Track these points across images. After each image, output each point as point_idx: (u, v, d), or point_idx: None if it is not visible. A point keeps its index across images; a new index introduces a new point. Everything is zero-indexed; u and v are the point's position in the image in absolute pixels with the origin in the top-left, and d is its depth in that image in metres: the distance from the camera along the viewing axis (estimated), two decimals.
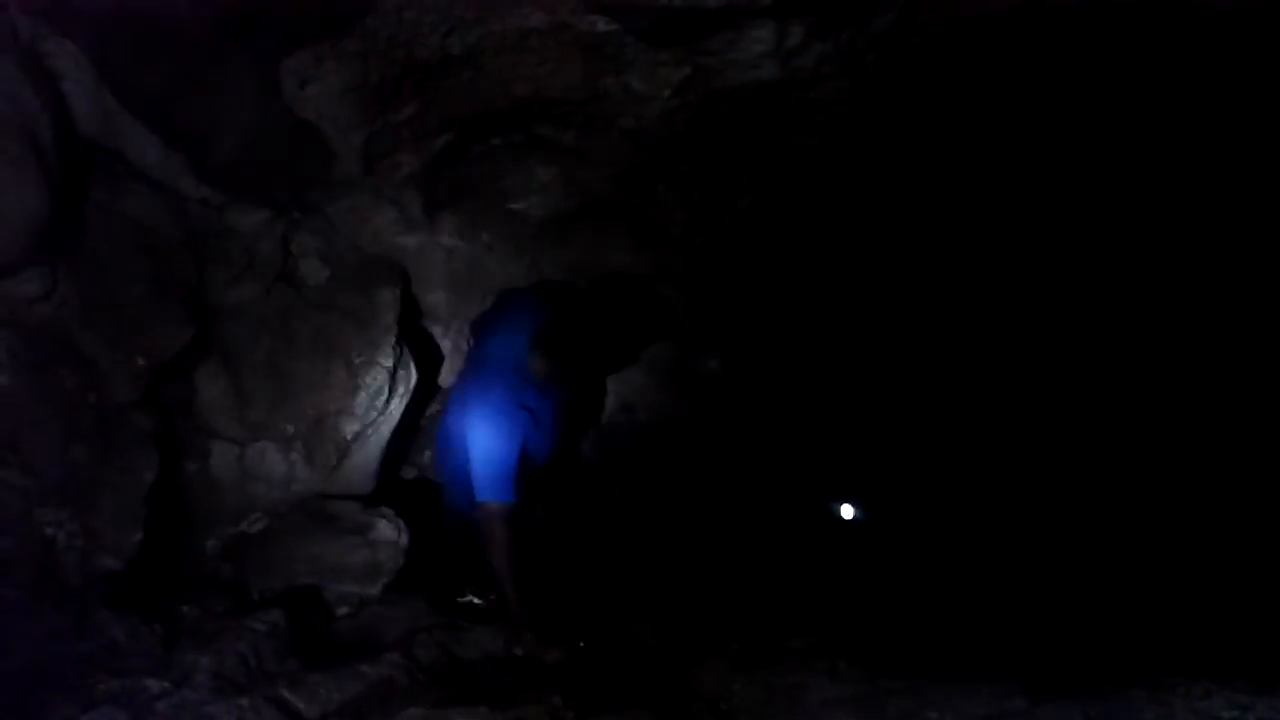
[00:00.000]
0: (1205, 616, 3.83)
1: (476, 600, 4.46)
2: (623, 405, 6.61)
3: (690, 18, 3.05)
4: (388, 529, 4.26)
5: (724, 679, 3.20)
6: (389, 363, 4.37)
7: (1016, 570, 5.07)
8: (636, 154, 3.95)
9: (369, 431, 4.42)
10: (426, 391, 4.97)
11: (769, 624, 3.66)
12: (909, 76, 3.55)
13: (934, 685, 2.93)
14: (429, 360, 4.98)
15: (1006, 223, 4.89)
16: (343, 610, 4.10)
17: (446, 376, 5.28)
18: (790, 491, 6.60)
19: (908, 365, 6.10)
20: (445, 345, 5.18)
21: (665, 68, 3.38)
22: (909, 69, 3.50)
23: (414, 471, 5.31)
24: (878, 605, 4.00)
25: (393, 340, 4.38)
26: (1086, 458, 5.97)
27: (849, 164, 4.12)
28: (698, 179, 4.18)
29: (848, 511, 6.48)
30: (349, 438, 4.35)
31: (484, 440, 4.37)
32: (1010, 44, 3.37)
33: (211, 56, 3.11)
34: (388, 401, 4.42)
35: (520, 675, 3.64)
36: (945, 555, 5.53)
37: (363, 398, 4.33)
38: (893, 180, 4.32)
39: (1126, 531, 5.39)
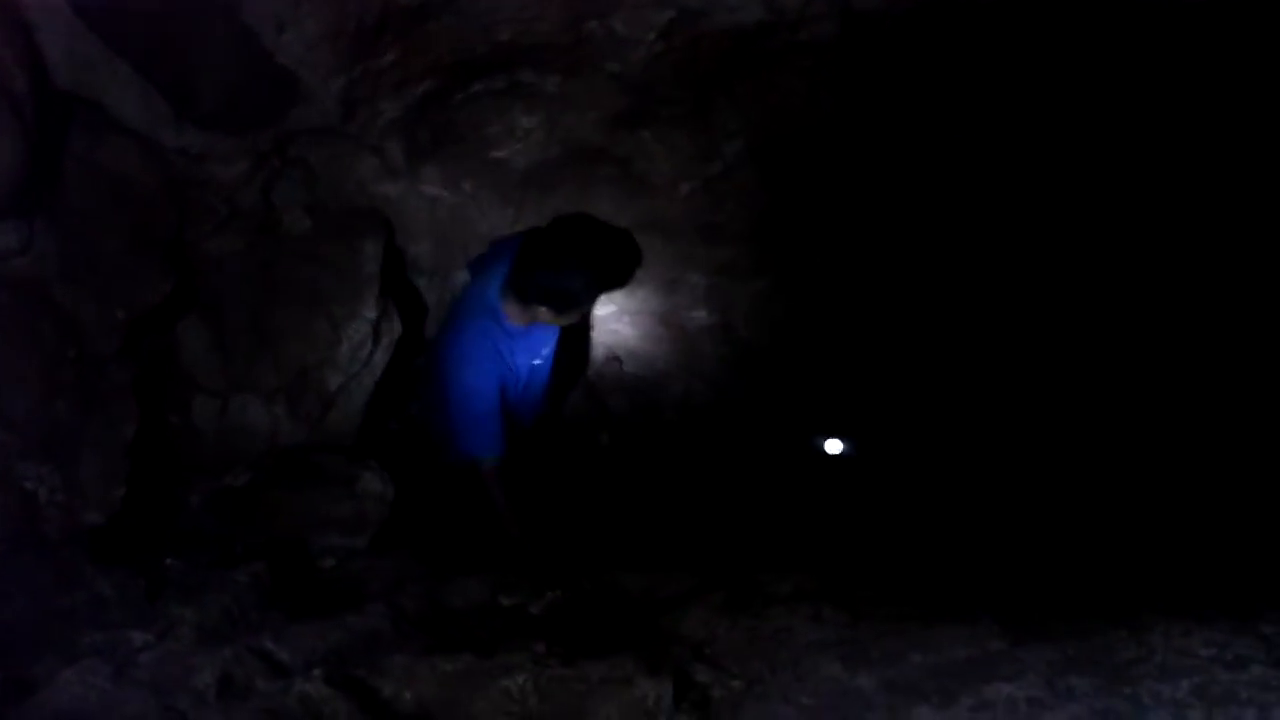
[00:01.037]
0: (1187, 554, 3.86)
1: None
2: (610, 356, 6.62)
3: None
4: (373, 481, 4.25)
5: (708, 624, 3.20)
6: (372, 314, 4.34)
7: (1002, 510, 5.10)
8: (621, 100, 3.91)
9: (352, 383, 4.41)
10: (411, 343, 4.95)
11: (753, 570, 3.66)
12: (897, 18, 3.51)
13: (917, 627, 2.94)
14: (413, 311, 4.97)
15: (1006, 173, 4.87)
16: (328, 562, 4.10)
17: (431, 327, 5.27)
18: (779, 433, 6.62)
19: (897, 304, 6.10)
20: (430, 297, 5.17)
21: (649, 10, 3.33)
22: (899, 12, 3.46)
23: (399, 424, 5.32)
24: (863, 546, 4.02)
25: (376, 291, 4.34)
26: (1073, 392, 6.00)
27: (837, 109, 4.08)
28: (684, 125, 4.14)
29: (834, 446, 6.49)
30: (332, 390, 4.33)
31: (457, 389, 4.38)
32: None
33: (189, 2, 3.06)
34: (371, 353, 4.40)
35: (506, 623, 3.64)
36: (931, 492, 5.56)
37: (345, 349, 4.31)
38: (883, 126, 4.28)
39: (1111, 470, 5.42)
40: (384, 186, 4.29)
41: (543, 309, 4.19)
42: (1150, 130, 4.44)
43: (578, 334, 5.63)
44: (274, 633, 3.18)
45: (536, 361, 4.69)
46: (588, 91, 3.84)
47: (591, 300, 4.70)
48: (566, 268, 4.06)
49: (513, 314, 4.30)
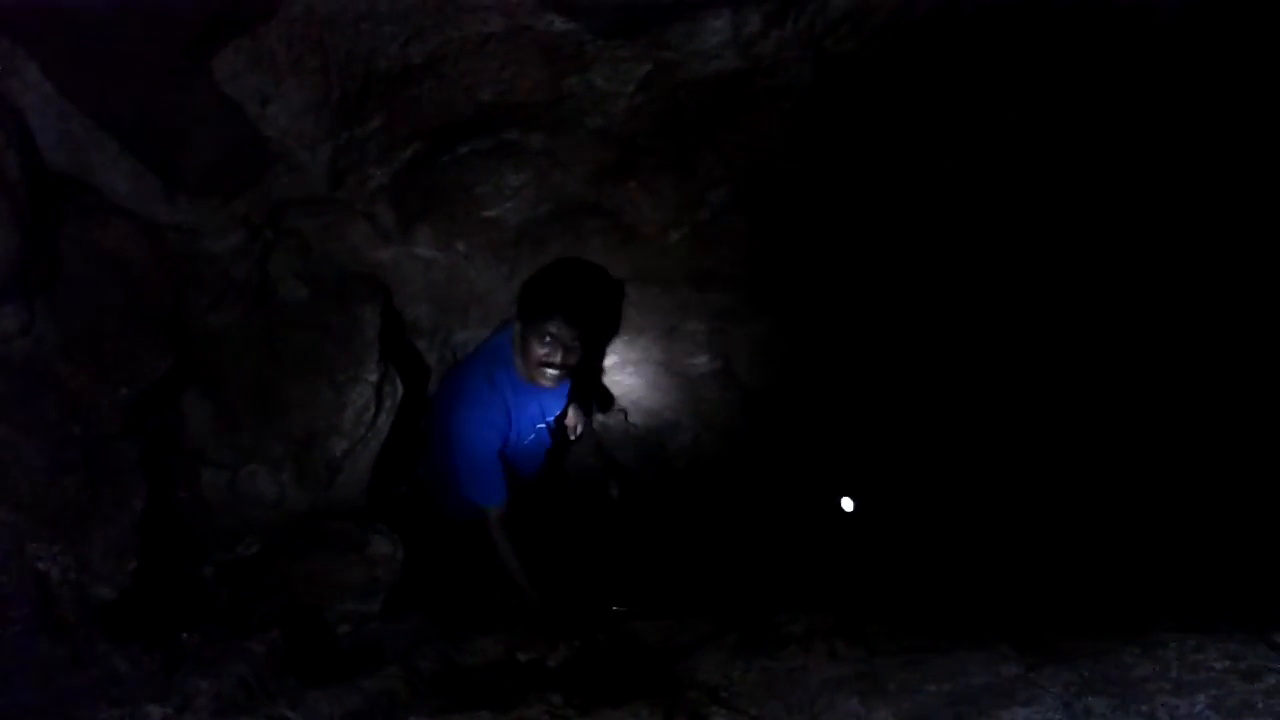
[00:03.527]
0: (1196, 567, 3.85)
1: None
2: (616, 408, 6.65)
3: (647, 11, 3.07)
4: (383, 544, 4.26)
5: (723, 667, 3.20)
6: (374, 378, 4.38)
7: (1011, 533, 5.10)
8: (606, 153, 3.96)
9: (358, 448, 4.43)
10: (414, 405, 4.98)
11: (767, 612, 3.66)
12: (872, 60, 3.56)
13: (932, 658, 2.94)
14: (415, 373, 5.01)
15: (991, 209, 4.92)
16: (343, 628, 4.11)
17: (433, 388, 5.30)
18: (788, 486, 6.63)
19: (893, 351, 6.13)
20: (430, 358, 5.20)
21: (627, 64, 3.39)
22: (871, 52, 3.51)
23: (408, 486, 5.33)
24: (876, 582, 4.02)
25: (376, 356, 4.39)
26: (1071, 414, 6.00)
27: (820, 151, 4.13)
28: (668, 175, 4.19)
29: (848, 504, 6.50)
30: (339, 455, 4.35)
31: (462, 433, 4.43)
32: (970, 28, 3.40)
33: (175, 79, 3.12)
34: (375, 417, 4.43)
35: (522, 678, 3.64)
36: (939, 534, 5.56)
37: (350, 415, 4.34)
38: (867, 167, 4.33)
39: (1116, 487, 5.42)
40: (378, 251, 4.34)
41: (549, 332, 4.24)
42: (1139, 158, 4.49)
43: (583, 392, 5.66)
44: (291, 700, 3.19)
45: (540, 425, 4.75)
46: (573, 146, 3.89)
47: (591, 319, 4.73)
48: (571, 275, 4.13)
49: (520, 366, 4.38)
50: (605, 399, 6.50)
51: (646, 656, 3.73)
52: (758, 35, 3.27)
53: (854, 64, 3.51)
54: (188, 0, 2.86)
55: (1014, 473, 5.85)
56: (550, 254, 4.71)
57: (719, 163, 4.12)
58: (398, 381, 4.56)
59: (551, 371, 4.36)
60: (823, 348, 6.45)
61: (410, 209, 4.12)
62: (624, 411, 6.74)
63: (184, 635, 3.63)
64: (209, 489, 4.23)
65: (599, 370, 6.26)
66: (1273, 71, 3.77)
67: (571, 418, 5.16)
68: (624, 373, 6.41)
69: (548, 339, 4.28)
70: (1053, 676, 2.59)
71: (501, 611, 4.71)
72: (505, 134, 3.80)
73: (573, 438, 5.31)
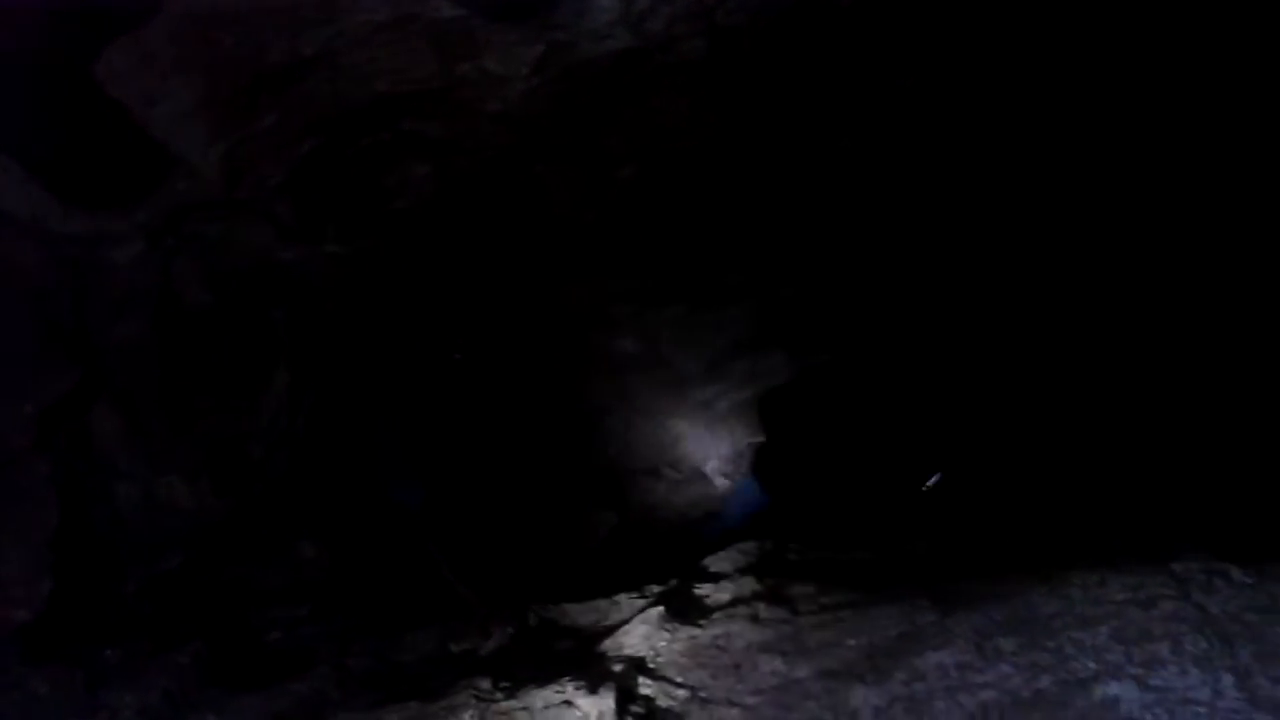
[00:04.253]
0: (1103, 503, 3.95)
1: None
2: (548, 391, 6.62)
3: None
4: (309, 547, 4.23)
5: (649, 639, 3.23)
6: (287, 381, 4.33)
7: (919, 485, 5.21)
8: (508, 137, 3.95)
9: (277, 451, 4.38)
10: (337, 405, 4.93)
11: (691, 582, 3.70)
12: (766, 32, 3.60)
13: (851, 614, 3.00)
14: (334, 372, 4.94)
15: (889, 177, 5.01)
16: (273, 633, 4.06)
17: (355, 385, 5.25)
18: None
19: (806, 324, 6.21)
20: (349, 355, 5.14)
21: (519, 47, 3.38)
22: (763, 24, 3.55)
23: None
24: (798, 548, 4.06)
25: (288, 357, 4.33)
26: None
27: (723, 126, 4.16)
28: (574, 155, 4.19)
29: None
30: (257, 460, 4.30)
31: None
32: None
33: (62, 84, 3.06)
34: (292, 418, 4.38)
35: (455, 669, 3.64)
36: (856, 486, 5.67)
37: (264, 419, 4.29)
38: (770, 140, 4.38)
39: (1022, 426, 5.56)
40: (283, 251, 4.27)
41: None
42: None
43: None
44: (217, 708, 3.16)
45: None
46: (474, 133, 3.88)
47: None
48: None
49: None
50: None
51: (578, 636, 3.75)
52: (648, 11, 3.28)
53: (748, 37, 3.55)
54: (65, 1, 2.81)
55: (926, 420, 5.97)
56: (462, 242, 4.67)
57: (625, 142, 4.13)
58: (315, 381, 4.51)
59: None
60: (741, 322, 6.51)
61: (314, 205, 4.07)
62: (558, 398, 6.72)
63: (107, 652, 3.58)
64: (125, 503, 4.15)
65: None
66: None
67: None
68: (548, 350, 6.38)
69: None
70: (964, 621, 2.66)
71: (440, 603, 4.70)
72: (405, 124, 3.77)
73: None
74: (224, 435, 4.24)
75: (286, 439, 4.40)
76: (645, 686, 2.92)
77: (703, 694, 2.87)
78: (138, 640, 3.73)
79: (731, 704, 2.77)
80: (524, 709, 2.91)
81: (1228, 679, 2.06)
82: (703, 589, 3.66)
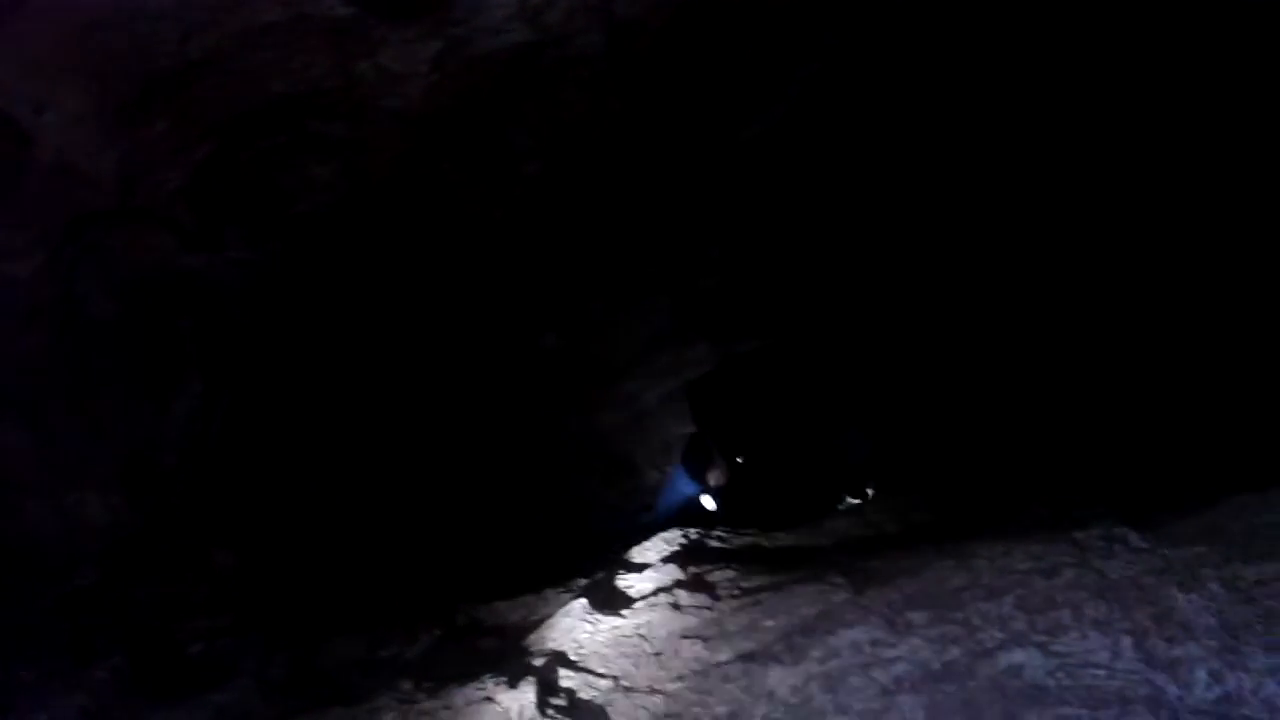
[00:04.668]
0: (1006, 484, 4.05)
1: None
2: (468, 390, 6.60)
3: None
4: (227, 557, 4.18)
5: (572, 632, 3.24)
6: (199, 389, 4.26)
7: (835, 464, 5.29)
8: (411, 135, 3.91)
9: (189, 462, 4.31)
10: (252, 411, 4.86)
11: (613, 574, 3.72)
12: (664, 23, 3.62)
13: (769, 596, 3.04)
14: (246, 379, 4.87)
15: (795, 168, 5.06)
16: (195, 645, 4.01)
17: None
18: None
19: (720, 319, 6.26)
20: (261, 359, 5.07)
21: (416, 44, 3.36)
22: (662, 14, 3.56)
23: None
24: (715, 537, 4.10)
25: (198, 366, 4.27)
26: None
27: (626, 114, 4.16)
28: (480, 152, 4.17)
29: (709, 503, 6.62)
30: (170, 469, 4.23)
31: None
32: None
33: None
34: (205, 428, 4.31)
35: (380, 672, 3.63)
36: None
37: (176, 427, 4.22)
38: (673, 130, 4.39)
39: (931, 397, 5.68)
40: (187, 258, 4.19)
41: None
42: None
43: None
44: None
45: None
46: (376, 132, 3.84)
47: None
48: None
49: None
50: None
51: (504, 632, 3.75)
52: (544, 5, 3.28)
53: (647, 29, 3.56)
54: None
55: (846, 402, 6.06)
56: (370, 245, 4.62)
57: (528, 137, 4.12)
58: (227, 389, 4.44)
59: None
60: (669, 316, 6.55)
61: (216, 211, 4.00)
62: (479, 391, 6.70)
63: (21, 672, 3.51)
64: (36, 519, 4.05)
65: None
66: None
67: None
68: (472, 352, 6.35)
69: None
70: (877, 597, 2.70)
71: (368, 607, 4.67)
72: (304, 125, 3.72)
73: None
74: (136, 446, 4.16)
75: (201, 447, 4.33)
76: (567, 679, 2.93)
77: (625, 683, 2.88)
78: (54, 659, 3.66)
79: (653, 691, 2.79)
80: (446, 708, 2.91)
81: (1126, 641, 2.11)
82: (627, 579, 3.68)
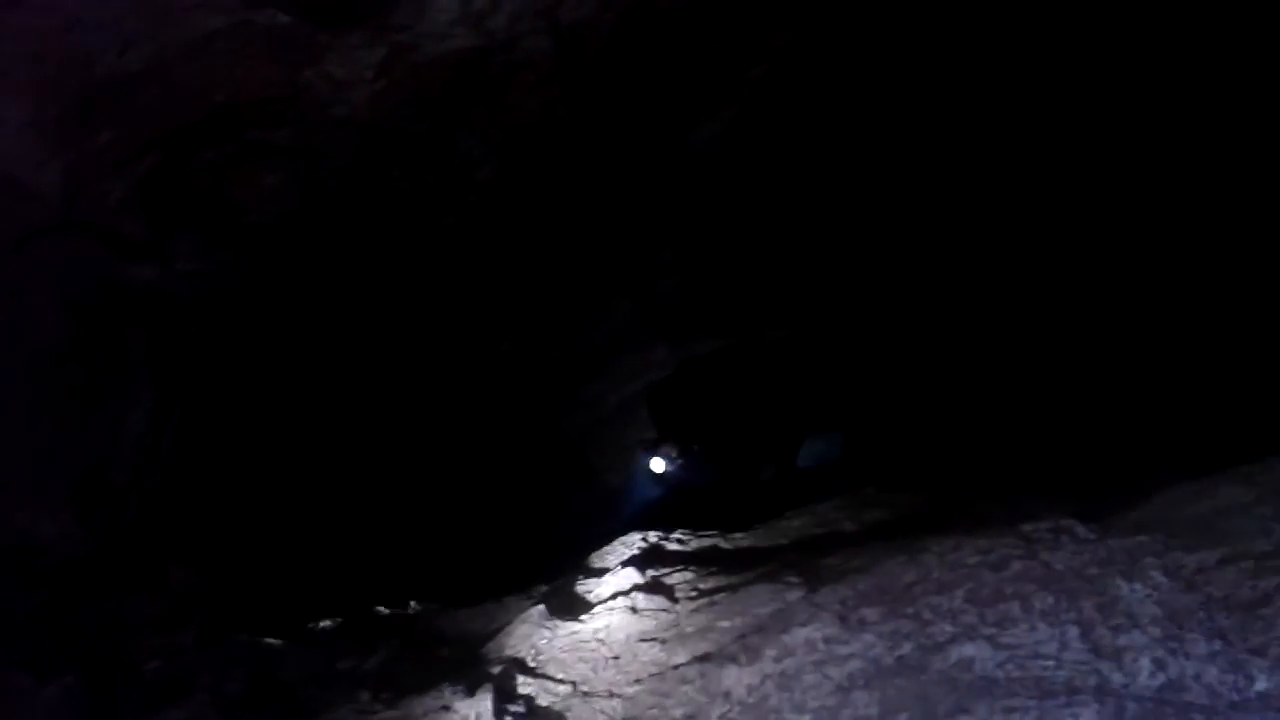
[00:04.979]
0: (956, 478, 4.08)
1: None
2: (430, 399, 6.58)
3: None
4: (183, 573, 4.14)
5: (530, 638, 3.23)
6: (150, 404, 4.21)
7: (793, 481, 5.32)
8: (359, 143, 3.89)
9: (143, 478, 4.26)
10: (207, 425, 4.82)
11: (573, 579, 3.72)
12: (611, 25, 3.62)
13: (725, 597, 3.05)
14: (200, 392, 4.82)
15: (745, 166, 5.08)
16: (152, 662, 3.96)
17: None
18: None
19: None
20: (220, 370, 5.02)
21: (361, 50, 3.34)
22: (608, 17, 3.57)
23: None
24: (673, 539, 4.11)
25: (149, 380, 4.22)
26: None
27: (575, 118, 4.16)
28: (429, 158, 4.14)
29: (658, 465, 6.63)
30: (122, 487, 4.18)
31: None
32: None
33: None
34: (157, 442, 4.26)
35: (339, 684, 3.60)
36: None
37: (127, 443, 4.17)
38: (624, 134, 4.40)
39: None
40: (136, 271, 4.14)
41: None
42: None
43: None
44: None
45: None
46: (323, 140, 3.81)
47: None
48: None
49: None
50: None
51: (463, 641, 3.74)
52: (488, 10, 3.26)
53: (593, 33, 3.56)
54: None
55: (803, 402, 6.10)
56: (322, 251, 4.59)
57: (479, 142, 4.11)
58: (181, 403, 4.40)
59: None
60: (627, 319, 6.57)
61: (164, 222, 3.96)
62: (441, 396, 6.69)
63: None
64: None
65: None
66: None
67: None
68: (431, 358, 6.33)
69: None
70: (831, 595, 2.71)
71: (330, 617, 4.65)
72: (250, 134, 3.68)
73: None
74: (88, 463, 4.10)
75: (153, 463, 4.28)
76: (525, 685, 2.93)
77: (583, 688, 2.88)
78: (12, 680, 3.61)
79: (612, 695, 2.79)
80: (403, 717, 2.90)
81: (1073, 631, 2.13)
82: (586, 584, 3.68)
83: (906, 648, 2.34)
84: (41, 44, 2.93)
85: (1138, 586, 2.17)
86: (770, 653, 2.58)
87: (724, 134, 4.59)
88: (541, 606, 3.42)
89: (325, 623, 4.64)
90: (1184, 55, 4.46)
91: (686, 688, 2.64)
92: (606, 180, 4.72)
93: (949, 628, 2.34)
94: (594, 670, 2.96)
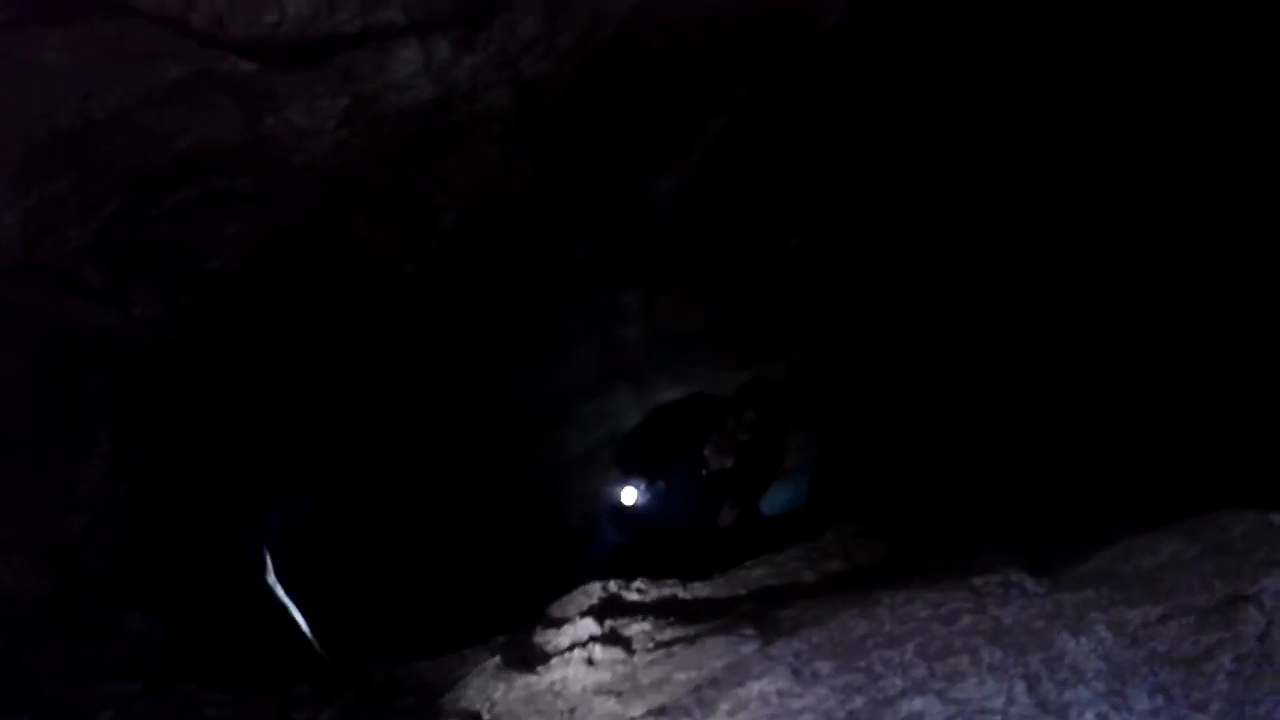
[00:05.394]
0: (909, 530, 4.11)
1: None
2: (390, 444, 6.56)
3: (330, 45, 3.06)
4: (139, 621, 4.09)
5: (485, 690, 3.22)
6: (108, 448, 4.18)
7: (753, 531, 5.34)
8: (322, 190, 3.90)
9: (99, 522, 4.22)
10: (165, 470, 4.78)
11: (530, 631, 3.70)
12: (571, 78, 3.67)
13: (682, 649, 3.05)
14: (159, 438, 4.79)
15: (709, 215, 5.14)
16: (104, 712, 3.90)
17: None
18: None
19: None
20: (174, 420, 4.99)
21: (324, 100, 3.36)
22: (568, 70, 3.61)
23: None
24: (634, 589, 4.11)
25: (107, 425, 4.19)
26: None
27: (539, 170, 4.20)
28: (392, 207, 4.17)
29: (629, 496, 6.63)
30: (78, 533, 4.13)
31: None
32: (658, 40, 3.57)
33: None
34: (114, 488, 4.23)
35: None
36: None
37: (85, 489, 4.13)
38: (587, 183, 4.45)
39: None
40: (96, 316, 4.12)
41: None
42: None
43: None
44: None
45: None
46: (284, 187, 3.82)
47: None
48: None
49: None
50: None
51: (420, 692, 3.71)
52: (449, 62, 3.30)
53: (553, 84, 3.60)
54: None
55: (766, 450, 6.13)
56: (280, 300, 4.58)
57: (441, 191, 4.14)
58: (136, 449, 4.36)
59: None
60: (591, 366, 6.58)
61: (124, 268, 3.95)
62: (397, 442, 6.67)
63: None
64: None
65: None
66: None
67: None
68: (395, 404, 6.33)
69: None
70: (786, 648, 2.71)
71: (286, 668, 4.59)
72: (212, 181, 3.69)
73: None
74: (43, 509, 4.06)
75: (111, 509, 4.24)
76: None
77: None
78: None
79: None
80: None
81: (1020, 686, 2.15)
82: (544, 635, 3.66)
83: (858, 701, 2.35)
84: (2, 91, 2.94)
85: (1083, 641, 2.19)
86: (724, 706, 2.57)
87: (686, 183, 4.64)
88: (498, 659, 3.41)
89: (279, 672, 4.58)
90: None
91: None
92: (569, 228, 4.76)
93: (899, 681, 2.35)
94: None
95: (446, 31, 3.19)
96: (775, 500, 7.19)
